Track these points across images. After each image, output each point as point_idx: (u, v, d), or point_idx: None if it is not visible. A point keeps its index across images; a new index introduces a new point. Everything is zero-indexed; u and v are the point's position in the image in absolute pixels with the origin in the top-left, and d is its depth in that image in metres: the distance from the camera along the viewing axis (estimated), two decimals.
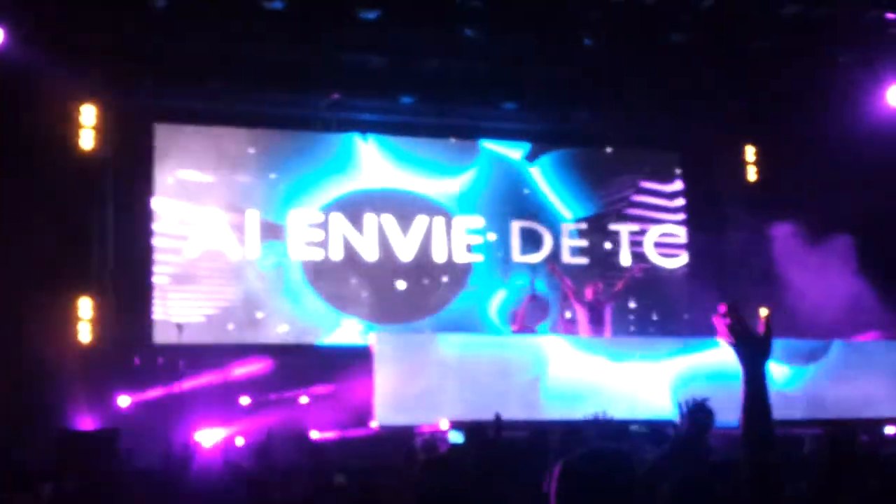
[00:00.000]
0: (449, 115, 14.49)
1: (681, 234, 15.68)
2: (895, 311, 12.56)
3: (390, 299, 14.34)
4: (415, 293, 14.49)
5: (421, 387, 11.03)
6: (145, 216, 13.66)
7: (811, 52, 13.24)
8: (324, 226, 14.29)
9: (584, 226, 15.28)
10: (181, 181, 13.88)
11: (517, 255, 14.96)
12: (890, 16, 12.75)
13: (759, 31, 12.74)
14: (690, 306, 15.19)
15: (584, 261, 15.13)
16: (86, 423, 11.74)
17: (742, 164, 15.42)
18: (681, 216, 15.70)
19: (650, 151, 15.79)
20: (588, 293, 12.69)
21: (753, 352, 2.81)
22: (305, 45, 12.96)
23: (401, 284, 14.41)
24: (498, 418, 7.13)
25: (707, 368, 11.66)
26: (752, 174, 15.29)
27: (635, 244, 15.43)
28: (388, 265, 14.41)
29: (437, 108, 14.24)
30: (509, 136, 15.17)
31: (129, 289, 13.36)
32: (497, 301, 14.72)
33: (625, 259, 15.26)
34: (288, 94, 13.77)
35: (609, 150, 15.59)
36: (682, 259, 15.61)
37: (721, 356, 11.93)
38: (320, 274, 14.20)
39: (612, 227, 15.39)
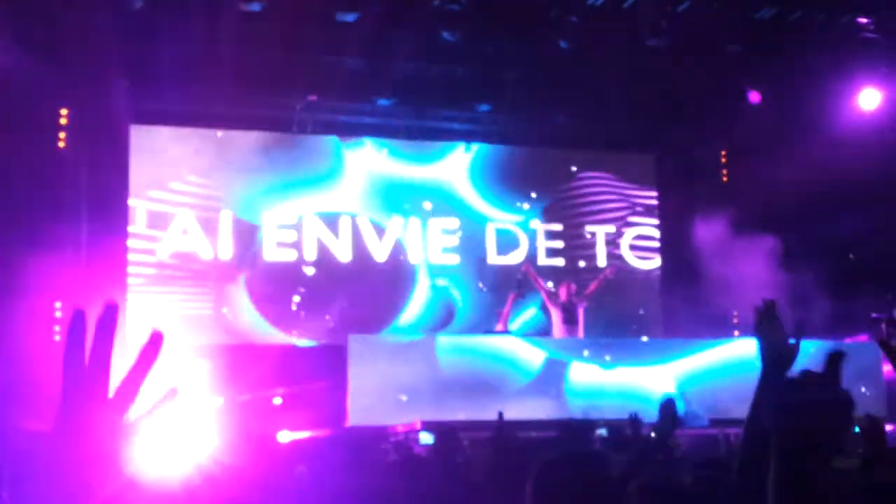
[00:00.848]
0: (426, 118, 14.56)
1: (656, 236, 15.81)
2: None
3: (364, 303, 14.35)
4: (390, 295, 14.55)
5: (394, 387, 11.09)
6: (121, 218, 13.64)
7: (784, 56, 13.37)
8: (298, 228, 14.32)
9: (559, 227, 15.38)
10: (157, 183, 13.87)
11: (493, 257, 15.04)
12: (862, 20, 12.90)
13: (734, 34, 12.84)
14: (664, 307, 15.37)
15: (560, 262, 15.23)
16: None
17: (716, 166, 15.60)
18: (655, 220, 15.83)
19: (626, 154, 15.91)
20: (562, 294, 12.82)
21: (779, 355, 2.66)
22: (283, 46, 12.99)
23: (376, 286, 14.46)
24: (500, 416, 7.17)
25: (687, 370, 11.81)
26: (725, 177, 15.46)
27: (611, 245, 15.55)
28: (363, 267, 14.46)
29: (414, 110, 14.29)
30: (486, 139, 15.26)
31: (104, 291, 13.31)
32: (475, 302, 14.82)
33: (601, 260, 15.36)
34: (265, 95, 13.78)
35: (584, 152, 15.71)
36: (657, 261, 15.73)
37: (696, 360, 12.14)
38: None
39: (589, 228, 15.50)
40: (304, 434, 11.43)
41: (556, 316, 12.74)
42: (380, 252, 14.55)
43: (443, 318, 14.58)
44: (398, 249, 14.64)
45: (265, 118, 14.32)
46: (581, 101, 14.34)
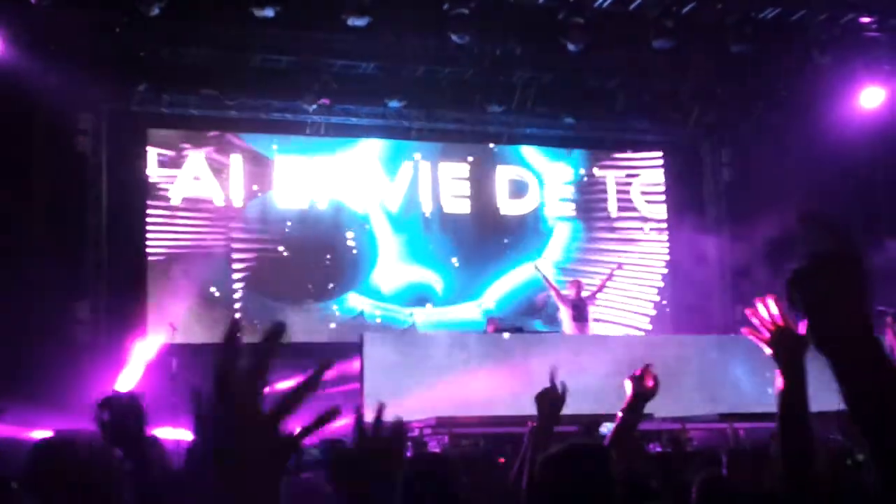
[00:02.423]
0: (437, 120, 14.78)
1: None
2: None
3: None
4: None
5: (409, 385, 11.20)
6: (140, 220, 13.92)
7: (788, 55, 13.54)
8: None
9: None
10: (176, 186, 14.16)
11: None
12: (864, 19, 13.05)
13: (739, 34, 13.02)
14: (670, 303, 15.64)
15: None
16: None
17: (721, 165, 15.79)
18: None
19: (633, 153, 16.12)
20: (571, 290, 13.04)
21: (792, 349, 2.66)
22: (296, 51, 13.25)
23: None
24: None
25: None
26: (729, 175, 15.65)
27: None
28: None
29: (425, 112, 14.52)
30: (495, 140, 15.49)
31: (123, 291, 13.59)
32: None
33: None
34: (279, 99, 14.02)
35: (592, 151, 15.94)
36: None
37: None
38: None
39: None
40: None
41: (566, 313, 12.94)
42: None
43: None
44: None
45: (279, 122, 14.56)
46: (589, 101, 14.57)
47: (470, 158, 15.39)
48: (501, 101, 14.37)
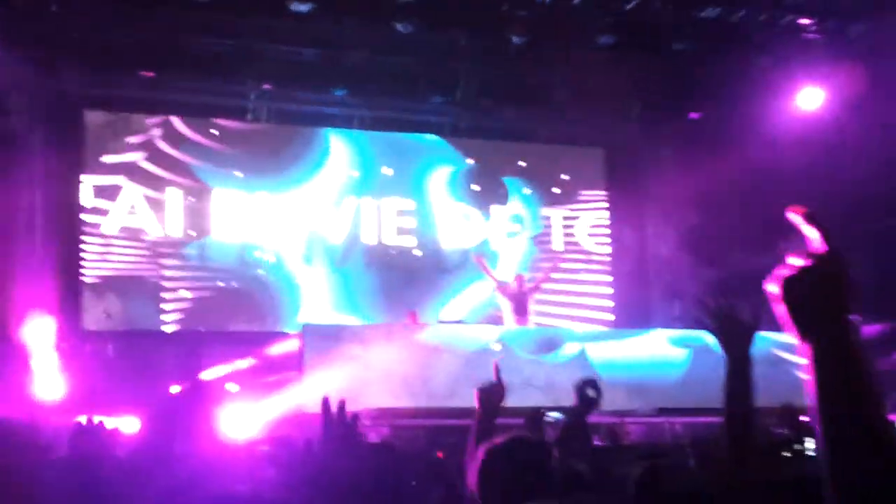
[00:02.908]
0: (378, 108, 14.71)
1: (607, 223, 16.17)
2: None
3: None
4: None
5: (348, 376, 11.18)
6: (75, 203, 13.66)
7: (728, 55, 13.70)
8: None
9: (518, 210, 15.66)
10: (109, 167, 13.90)
11: (447, 242, 15.29)
12: (803, 21, 13.23)
13: (679, 33, 13.14)
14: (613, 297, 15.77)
15: (515, 244, 15.53)
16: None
17: (662, 163, 15.94)
18: (605, 212, 16.16)
19: (574, 148, 16.18)
20: (513, 284, 13.07)
21: (738, 336, 2.80)
22: (237, 35, 13.09)
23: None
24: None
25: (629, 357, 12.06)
26: (668, 172, 15.80)
27: (567, 228, 15.88)
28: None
29: (367, 101, 14.44)
30: (437, 131, 15.46)
31: (59, 277, 13.35)
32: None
33: (557, 244, 15.69)
34: (219, 84, 13.85)
35: (534, 145, 15.97)
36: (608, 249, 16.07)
37: (642, 346, 12.41)
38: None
39: (545, 211, 15.79)
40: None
41: (506, 306, 12.98)
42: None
43: None
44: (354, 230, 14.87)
45: (220, 106, 14.38)
46: (531, 95, 14.61)
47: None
48: (444, 92, 14.35)
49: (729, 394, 2.79)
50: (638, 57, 13.90)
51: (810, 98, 13.65)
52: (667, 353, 12.13)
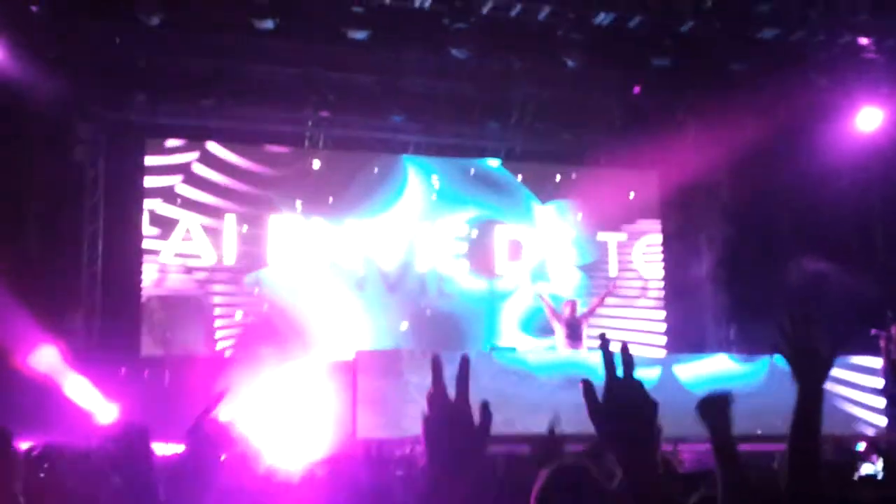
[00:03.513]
0: (435, 134, 14.78)
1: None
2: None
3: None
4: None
5: (400, 402, 11.21)
6: (135, 229, 13.89)
7: (786, 76, 13.59)
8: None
9: (572, 234, 15.64)
10: (170, 194, 14.12)
11: (502, 265, 15.26)
12: (862, 41, 13.10)
13: (736, 53, 13.06)
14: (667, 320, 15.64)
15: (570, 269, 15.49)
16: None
17: (716, 183, 15.80)
18: (659, 236, 16.05)
19: (629, 172, 16.10)
20: (566, 310, 13.00)
21: (812, 367, 2.74)
22: (295, 63, 13.26)
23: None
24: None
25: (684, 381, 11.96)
26: (726, 194, 15.66)
27: (622, 254, 15.80)
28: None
29: (424, 126, 14.52)
30: (493, 155, 15.50)
31: (117, 301, 13.57)
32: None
33: (612, 269, 15.62)
34: (277, 111, 14.02)
35: (589, 169, 15.92)
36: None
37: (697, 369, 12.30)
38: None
39: (600, 235, 15.74)
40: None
41: (559, 332, 12.93)
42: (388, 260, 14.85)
43: None
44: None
45: (277, 133, 14.56)
46: (586, 119, 14.60)
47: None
48: (499, 117, 14.40)
49: (796, 424, 2.74)
50: (694, 78, 13.86)
51: (869, 119, 13.49)
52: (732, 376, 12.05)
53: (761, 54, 13.08)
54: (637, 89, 12.87)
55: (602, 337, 2.08)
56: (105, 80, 12.92)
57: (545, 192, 15.65)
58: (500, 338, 14.77)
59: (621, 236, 15.85)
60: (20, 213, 12.57)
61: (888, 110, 13.38)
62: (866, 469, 6.87)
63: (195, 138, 14.29)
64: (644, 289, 15.79)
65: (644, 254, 15.94)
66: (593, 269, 15.66)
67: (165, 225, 14.07)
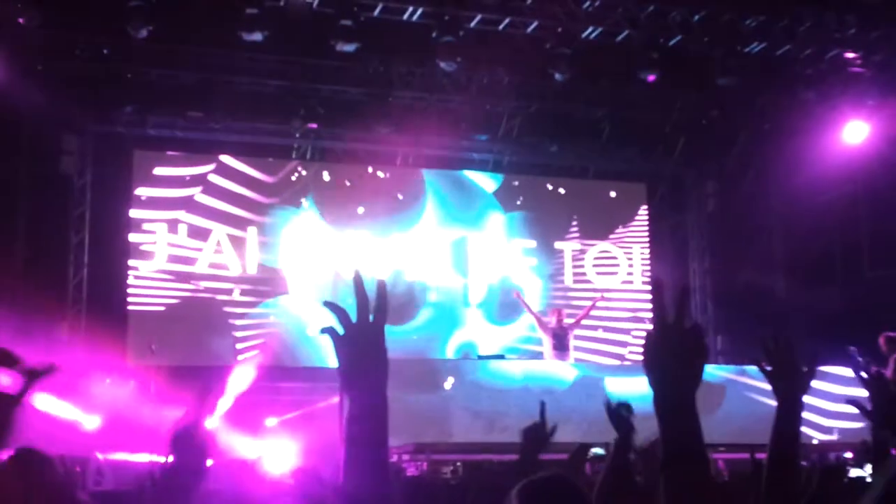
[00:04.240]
0: (423, 146, 14.80)
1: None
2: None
3: None
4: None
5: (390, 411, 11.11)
6: (123, 240, 13.86)
7: (772, 89, 13.66)
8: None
9: (560, 245, 15.67)
10: (157, 204, 14.09)
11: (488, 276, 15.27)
12: (848, 55, 13.17)
13: (723, 67, 13.12)
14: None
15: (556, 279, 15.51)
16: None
17: (704, 196, 15.87)
18: (647, 248, 16.05)
19: (616, 184, 16.13)
20: (552, 319, 12.99)
21: (791, 384, 2.84)
22: (283, 75, 13.29)
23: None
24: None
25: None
26: (712, 206, 15.73)
27: (609, 264, 15.82)
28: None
29: (412, 139, 14.53)
30: (480, 167, 15.52)
31: (104, 311, 13.53)
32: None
33: (597, 279, 15.63)
34: (266, 123, 14.03)
35: (576, 181, 15.94)
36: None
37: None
38: None
39: (585, 246, 15.77)
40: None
41: (546, 342, 12.91)
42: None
43: None
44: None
45: (265, 146, 14.55)
46: (574, 132, 14.66)
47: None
48: (487, 130, 14.42)
49: (776, 435, 2.84)
50: (681, 92, 13.93)
51: (855, 132, 13.56)
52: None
53: (748, 68, 13.14)
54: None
55: (657, 281, 2.13)
56: (93, 92, 12.93)
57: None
58: (478, 344, 14.79)
59: (607, 246, 15.85)
60: (6, 223, 12.54)
61: (874, 124, 13.45)
62: (856, 472, 6.92)
63: (183, 150, 14.26)
64: (632, 299, 15.76)
65: (630, 266, 15.92)
66: (579, 279, 15.67)
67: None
